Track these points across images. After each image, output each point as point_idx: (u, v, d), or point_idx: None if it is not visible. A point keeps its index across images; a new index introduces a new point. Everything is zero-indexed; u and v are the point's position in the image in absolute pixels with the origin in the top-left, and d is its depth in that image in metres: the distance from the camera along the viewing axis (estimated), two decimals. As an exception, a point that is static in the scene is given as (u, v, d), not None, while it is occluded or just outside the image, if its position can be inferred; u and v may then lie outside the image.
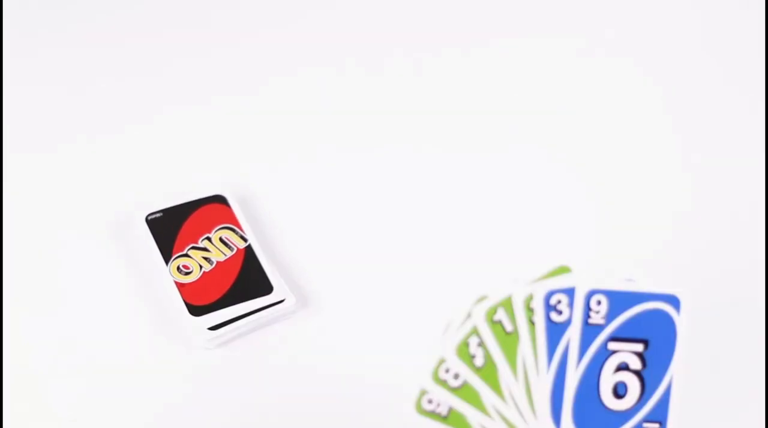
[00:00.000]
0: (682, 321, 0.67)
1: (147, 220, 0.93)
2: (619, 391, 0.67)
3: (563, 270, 0.66)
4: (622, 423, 0.68)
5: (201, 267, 0.91)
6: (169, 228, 0.93)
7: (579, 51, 1.10)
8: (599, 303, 0.66)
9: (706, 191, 0.99)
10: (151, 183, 0.98)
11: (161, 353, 0.87)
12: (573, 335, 0.66)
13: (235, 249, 0.92)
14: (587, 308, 0.65)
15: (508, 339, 0.65)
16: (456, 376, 0.65)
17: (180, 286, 0.89)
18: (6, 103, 1.02)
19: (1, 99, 1.02)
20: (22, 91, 1.04)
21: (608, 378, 0.67)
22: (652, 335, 0.67)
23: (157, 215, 0.94)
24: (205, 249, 0.92)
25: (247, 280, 0.90)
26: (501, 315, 0.65)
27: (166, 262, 0.91)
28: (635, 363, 0.67)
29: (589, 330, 0.66)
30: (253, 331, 0.88)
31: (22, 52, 1.07)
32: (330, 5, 1.13)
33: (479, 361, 0.65)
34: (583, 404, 0.67)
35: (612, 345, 0.66)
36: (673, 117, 1.05)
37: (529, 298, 0.65)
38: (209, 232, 0.93)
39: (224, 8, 1.13)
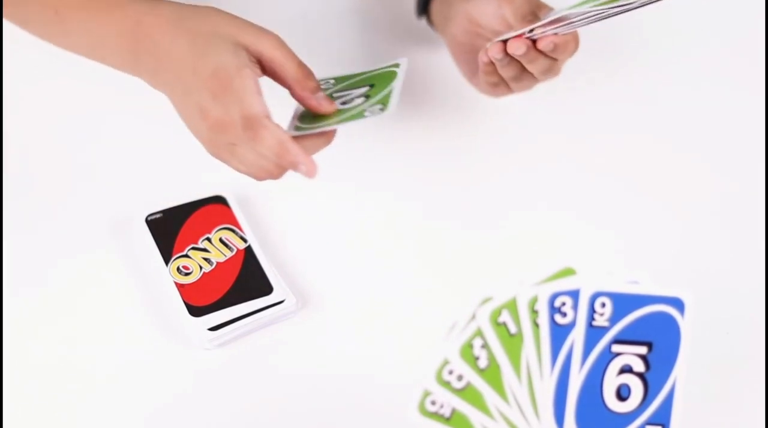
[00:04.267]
0: (686, 324, 0.67)
1: (147, 221, 0.93)
2: (622, 394, 0.67)
3: (568, 272, 0.66)
4: (625, 426, 0.68)
5: (201, 267, 0.90)
6: (169, 228, 0.93)
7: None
8: (603, 305, 0.65)
9: (710, 194, 0.99)
10: (151, 183, 0.97)
11: (161, 353, 0.87)
12: (577, 337, 0.66)
13: (235, 249, 0.92)
14: (591, 310, 0.65)
15: (512, 341, 0.65)
16: (459, 378, 0.65)
17: (180, 287, 0.89)
18: (6, 103, 1.02)
19: (1, 98, 1.02)
20: (23, 91, 1.03)
21: (612, 381, 0.67)
22: (656, 338, 0.67)
23: (157, 215, 0.94)
24: (205, 250, 0.91)
25: (247, 281, 0.90)
26: (505, 316, 0.65)
27: (166, 263, 0.91)
28: (639, 366, 0.67)
29: (593, 333, 0.66)
30: (253, 332, 0.88)
31: (22, 51, 1.06)
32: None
33: (483, 363, 0.65)
34: (587, 406, 0.67)
35: (616, 348, 0.66)
36: (676, 120, 1.05)
37: (534, 300, 0.65)
38: (209, 233, 0.93)
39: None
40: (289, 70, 0.81)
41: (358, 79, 0.88)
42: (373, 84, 0.87)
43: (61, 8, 0.86)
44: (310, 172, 0.79)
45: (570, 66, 1.02)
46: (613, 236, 0.95)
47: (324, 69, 0.87)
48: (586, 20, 0.85)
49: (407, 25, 1.06)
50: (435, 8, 0.99)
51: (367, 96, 0.85)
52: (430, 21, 1.01)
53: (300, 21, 1.11)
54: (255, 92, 0.78)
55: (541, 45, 0.87)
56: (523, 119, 1.04)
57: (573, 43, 0.88)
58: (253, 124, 0.77)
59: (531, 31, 0.87)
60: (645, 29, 1.13)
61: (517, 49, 0.87)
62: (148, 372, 0.86)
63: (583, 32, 1.09)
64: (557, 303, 0.65)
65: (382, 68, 0.88)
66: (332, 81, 0.89)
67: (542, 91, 0.99)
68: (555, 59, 0.89)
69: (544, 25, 0.86)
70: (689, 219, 0.97)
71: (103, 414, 0.83)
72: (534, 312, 0.65)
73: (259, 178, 0.83)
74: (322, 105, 0.82)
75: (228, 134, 0.79)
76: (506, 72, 0.91)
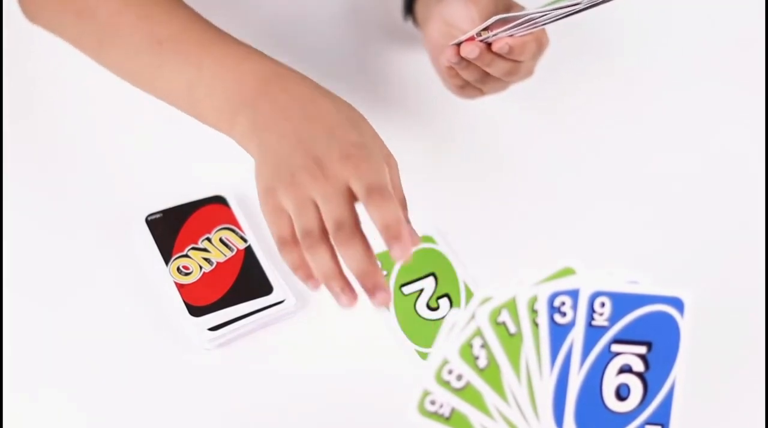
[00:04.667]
0: (685, 324, 0.67)
1: (147, 221, 0.93)
2: (621, 393, 0.67)
3: (568, 271, 0.66)
4: (625, 425, 0.68)
5: (201, 267, 0.90)
6: (169, 228, 0.93)
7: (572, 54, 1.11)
8: (603, 305, 0.65)
9: (710, 194, 0.99)
10: (151, 183, 0.97)
11: (161, 353, 0.87)
12: (576, 337, 0.66)
13: (235, 249, 0.92)
14: (591, 310, 0.65)
15: (512, 341, 0.65)
16: (459, 377, 0.65)
17: (180, 287, 0.89)
18: (6, 102, 1.02)
19: (1, 98, 1.02)
20: (23, 90, 1.03)
21: (611, 380, 0.67)
22: (656, 337, 0.67)
23: (157, 215, 0.93)
24: (205, 250, 0.91)
25: (247, 281, 0.90)
26: (505, 316, 0.65)
27: (166, 263, 0.91)
28: (638, 366, 0.67)
29: (593, 332, 0.66)
30: (253, 332, 0.88)
31: (24, 52, 1.06)
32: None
33: (482, 362, 0.65)
34: (586, 406, 0.67)
35: (615, 348, 0.66)
36: (676, 119, 1.05)
37: (533, 300, 0.65)
38: (209, 233, 0.93)
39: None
40: (398, 195, 0.80)
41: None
42: (433, 273, 0.90)
43: (167, 42, 0.85)
44: (350, 301, 0.76)
45: (570, 64, 1.03)
46: (613, 236, 0.95)
47: (317, 69, 0.87)
48: (534, 22, 0.84)
49: (397, 26, 1.06)
50: (418, 9, 0.99)
51: (447, 296, 0.90)
52: (415, 22, 1.01)
53: (291, 21, 1.11)
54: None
55: (495, 47, 0.86)
56: (522, 118, 1.04)
57: (534, 43, 0.87)
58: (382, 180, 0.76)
59: (479, 33, 0.86)
60: (644, 25, 1.13)
61: (469, 52, 0.86)
62: (148, 372, 0.86)
63: (584, 32, 1.09)
64: (557, 303, 0.65)
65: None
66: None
67: (542, 89, 0.99)
68: (516, 61, 0.88)
69: (490, 28, 0.86)
70: (690, 219, 0.97)
71: (103, 414, 0.83)
72: (533, 312, 0.65)
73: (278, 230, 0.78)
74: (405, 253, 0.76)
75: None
76: (468, 75, 0.90)
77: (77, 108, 1.03)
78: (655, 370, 0.67)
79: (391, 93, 1.06)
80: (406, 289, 0.90)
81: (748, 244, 0.95)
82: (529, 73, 0.91)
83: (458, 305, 0.88)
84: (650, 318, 0.66)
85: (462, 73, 0.90)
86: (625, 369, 0.67)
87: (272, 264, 0.91)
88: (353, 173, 0.75)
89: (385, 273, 0.90)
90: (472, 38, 0.87)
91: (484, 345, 0.65)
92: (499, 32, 0.85)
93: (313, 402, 0.84)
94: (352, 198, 0.75)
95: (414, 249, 0.75)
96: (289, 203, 0.76)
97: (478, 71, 0.89)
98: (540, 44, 0.88)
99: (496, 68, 0.88)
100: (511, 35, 0.85)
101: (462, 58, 0.87)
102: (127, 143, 1.01)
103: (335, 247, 0.75)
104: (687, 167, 1.01)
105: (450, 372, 0.65)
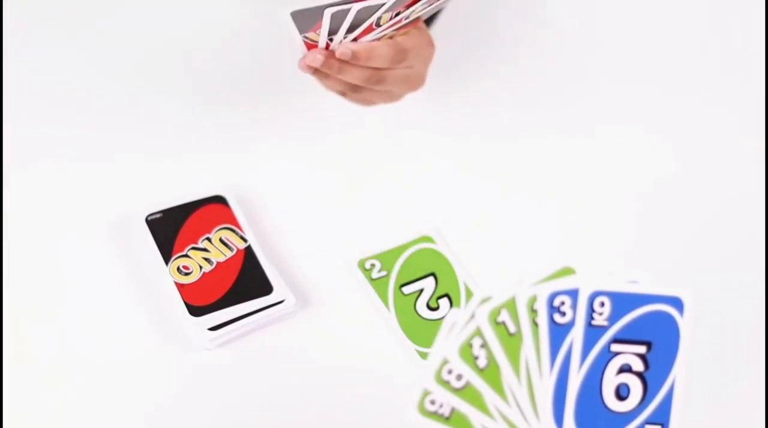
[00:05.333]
0: (685, 323, 0.67)
1: (147, 220, 0.93)
2: (621, 393, 0.67)
3: (567, 271, 0.66)
4: (625, 425, 0.68)
5: (201, 267, 0.90)
6: (169, 228, 0.93)
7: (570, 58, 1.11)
8: (602, 304, 0.65)
9: (710, 194, 0.99)
10: (151, 183, 0.97)
11: (161, 353, 0.87)
12: (576, 336, 0.66)
13: (235, 249, 0.92)
14: (590, 309, 0.65)
15: (512, 341, 0.65)
16: (459, 377, 0.65)
17: (180, 287, 0.89)
18: (7, 103, 1.02)
19: (1, 100, 1.02)
20: (24, 92, 1.03)
21: (611, 380, 0.67)
22: (655, 337, 0.67)
23: (157, 215, 0.94)
24: (205, 250, 0.92)
25: (247, 281, 0.90)
26: (504, 316, 0.65)
27: (166, 263, 0.91)
28: (638, 365, 0.67)
29: (592, 332, 0.66)
30: (253, 332, 0.88)
31: (24, 52, 1.06)
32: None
33: (482, 362, 0.65)
34: (586, 405, 0.67)
35: (615, 347, 0.66)
36: (676, 119, 1.05)
37: (533, 299, 0.65)
38: (209, 233, 0.93)
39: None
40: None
41: (402, 260, 0.91)
42: (433, 273, 0.90)
43: None
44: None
45: (569, 65, 1.02)
46: (613, 236, 0.95)
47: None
48: (375, 17, 0.79)
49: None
50: None
51: (447, 296, 0.89)
52: None
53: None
54: None
55: (337, 54, 0.80)
56: (522, 118, 1.04)
57: (387, 48, 0.82)
58: None
59: (331, 39, 0.81)
60: (645, 26, 1.13)
61: (312, 61, 0.81)
62: (148, 372, 0.86)
63: (583, 33, 1.09)
64: (556, 303, 0.65)
65: (413, 244, 0.91)
66: (377, 263, 0.91)
67: (541, 89, 0.99)
68: (375, 68, 0.82)
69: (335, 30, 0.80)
70: (689, 218, 0.97)
71: (102, 414, 0.83)
72: (533, 312, 0.65)
73: None
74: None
75: None
76: (331, 85, 0.85)
77: (77, 107, 1.03)
78: (654, 370, 0.67)
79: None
80: (406, 289, 0.90)
81: (748, 244, 0.95)
82: (416, 79, 0.87)
83: (458, 305, 0.89)
84: (650, 317, 0.66)
85: (325, 83, 0.85)
86: (625, 369, 0.67)
87: (272, 264, 0.91)
88: None
89: (384, 273, 0.90)
90: (315, 45, 0.81)
91: (484, 345, 0.65)
92: (348, 37, 0.80)
93: (313, 402, 0.84)
94: None
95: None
96: None
97: (340, 81, 0.84)
98: (400, 50, 0.83)
99: (352, 76, 0.83)
100: (357, 39, 0.80)
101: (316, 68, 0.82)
102: (127, 143, 1.01)
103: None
104: (687, 167, 1.01)
105: (450, 371, 0.65)
